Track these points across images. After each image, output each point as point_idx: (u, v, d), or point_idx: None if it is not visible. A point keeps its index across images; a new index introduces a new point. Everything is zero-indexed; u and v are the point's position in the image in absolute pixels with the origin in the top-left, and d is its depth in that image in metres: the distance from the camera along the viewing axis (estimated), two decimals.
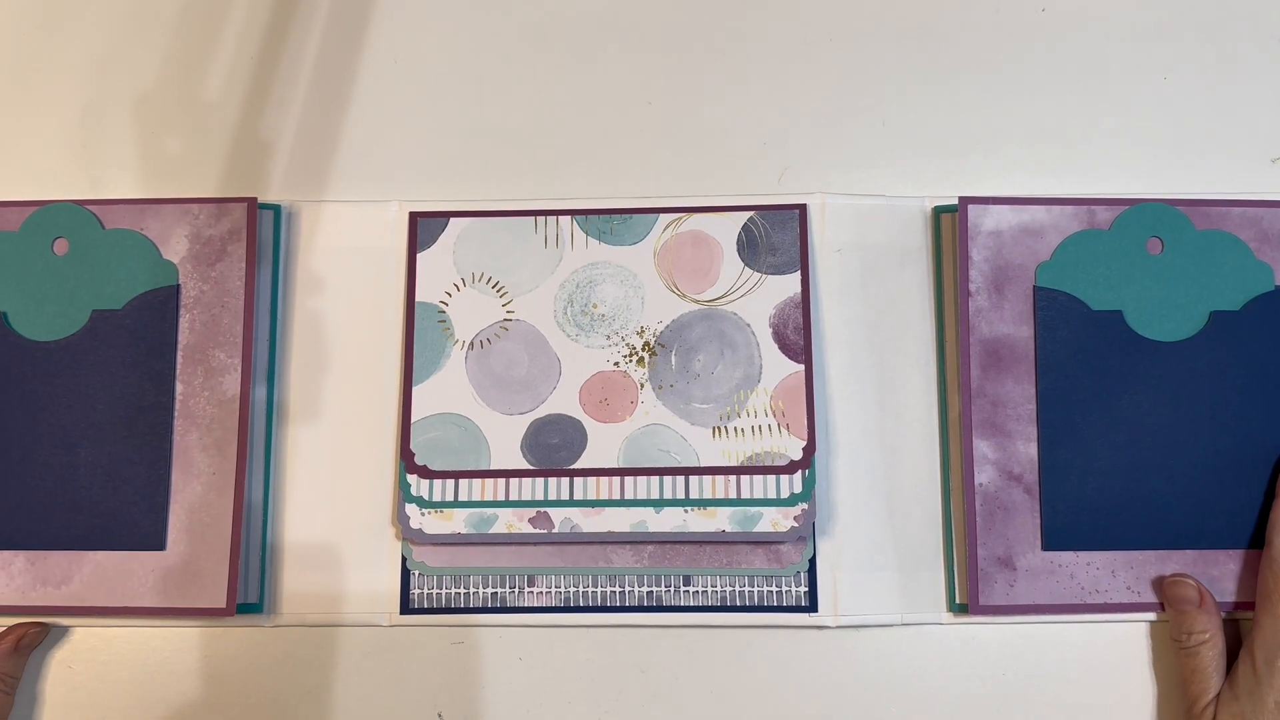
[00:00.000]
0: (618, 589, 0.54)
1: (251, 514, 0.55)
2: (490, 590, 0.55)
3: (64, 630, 0.55)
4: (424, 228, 0.57)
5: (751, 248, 0.56)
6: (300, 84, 0.59)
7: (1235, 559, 0.53)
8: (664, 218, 0.57)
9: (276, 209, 0.57)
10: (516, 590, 0.54)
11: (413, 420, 0.55)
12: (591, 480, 0.54)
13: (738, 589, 0.54)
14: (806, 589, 0.54)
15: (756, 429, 0.54)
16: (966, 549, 0.53)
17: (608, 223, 0.57)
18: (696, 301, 0.56)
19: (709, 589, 0.54)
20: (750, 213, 0.57)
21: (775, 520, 0.53)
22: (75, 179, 0.59)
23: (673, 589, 0.54)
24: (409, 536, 0.54)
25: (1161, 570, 0.53)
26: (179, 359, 0.55)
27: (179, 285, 0.55)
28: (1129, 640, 0.54)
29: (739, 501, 0.54)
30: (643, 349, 0.55)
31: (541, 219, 0.57)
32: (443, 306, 0.56)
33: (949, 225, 0.56)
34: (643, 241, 0.56)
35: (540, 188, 0.58)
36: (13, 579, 0.54)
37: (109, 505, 0.54)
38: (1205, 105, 0.58)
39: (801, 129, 0.58)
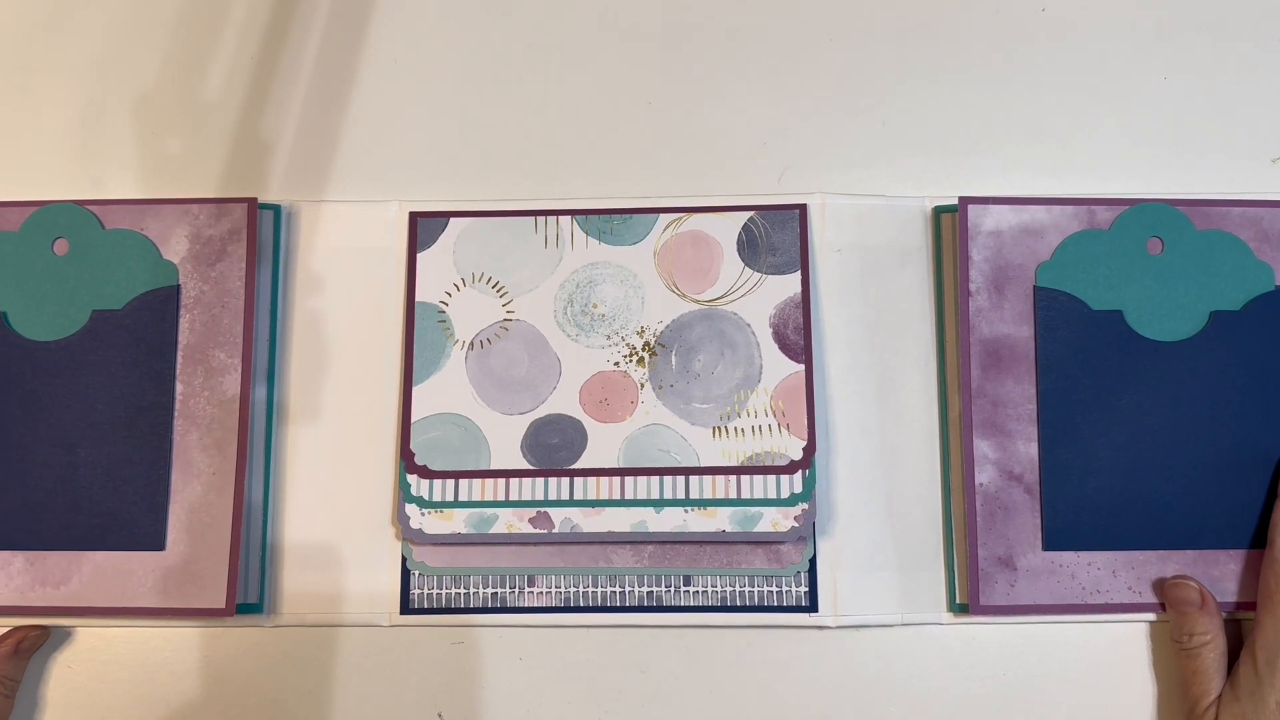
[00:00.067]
0: (618, 589, 0.54)
1: (251, 514, 0.55)
2: (490, 590, 0.54)
3: (64, 631, 0.55)
4: (424, 228, 0.57)
5: (751, 248, 0.56)
6: (300, 84, 0.59)
7: (1236, 559, 0.53)
8: (664, 218, 0.57)
9: (276, 209, 0.57)
10: (516, 590, 0.54)
11: (413, 420, 0.55)
12: (591, 480, 0.54)
13: (738, 589, 0.54)
14: (806, 589, 0.54)
15: (756, 429, 0.54)
16: (967, 549, 0.53)
17: (608, 223, 0.57)
18: (697, 301, 0.56)
19: (709, 589, 0.54)
20: (750, 213, 0.57)
21: (775, 520, 0.53)
22: (75, 179, 0.59)
23: (673, 589, 0.54)
24: (409, 536, 0.54)
25: (1162, 570, 0.53)
26: (179, 359, 0.55)
27: (179, 285, 0.55)
28: (1130, 641, 0.54)
29: (739, 501, 0.54)
30: (643, 349, 0.55)
31: (541, 219, 0.57)
32: (443, 306, 0.56)
33: (949, 225, 0.56)
34: (643, 241, 0.56)
35: (540, 188, 0.58)
36: (12, 579, 0.54)
37: (109, 505, 0.54)
38: (1205, 105, 0.58)
39: (801, 129, 0.58)
